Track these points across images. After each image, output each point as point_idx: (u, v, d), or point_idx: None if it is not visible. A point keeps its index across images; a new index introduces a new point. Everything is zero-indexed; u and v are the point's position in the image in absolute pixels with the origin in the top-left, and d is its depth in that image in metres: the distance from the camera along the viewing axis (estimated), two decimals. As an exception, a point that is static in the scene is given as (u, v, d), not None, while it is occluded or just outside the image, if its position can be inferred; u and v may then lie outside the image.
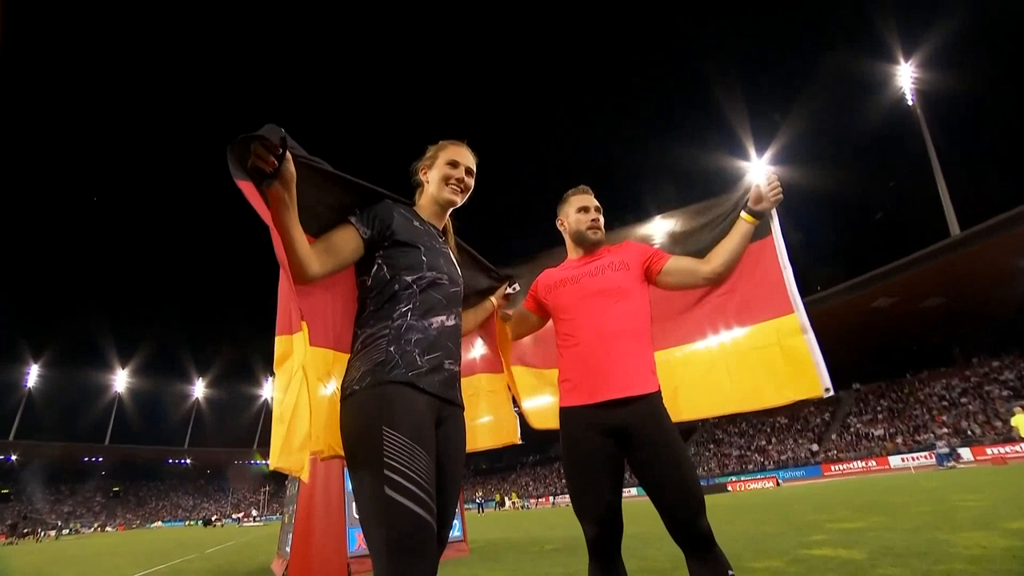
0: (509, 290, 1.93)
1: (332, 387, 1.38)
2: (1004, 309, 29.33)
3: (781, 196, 1.73)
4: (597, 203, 1.82)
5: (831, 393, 1.56)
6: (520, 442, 1.85)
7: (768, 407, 1.71)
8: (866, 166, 43.71)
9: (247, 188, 1.18)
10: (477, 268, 1.83)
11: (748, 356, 1.74)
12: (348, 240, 1.36)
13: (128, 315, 75.55)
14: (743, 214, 1.76)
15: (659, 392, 1.58)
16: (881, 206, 43.45)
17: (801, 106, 42.16)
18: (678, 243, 1.95)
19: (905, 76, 33.06)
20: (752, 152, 41.39)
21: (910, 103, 32.48)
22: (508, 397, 1.87)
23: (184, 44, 65.23)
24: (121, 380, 71.90)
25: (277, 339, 1.33)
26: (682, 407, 1.81)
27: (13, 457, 61.51)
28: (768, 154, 40.96)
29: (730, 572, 1.41)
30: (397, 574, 1.05)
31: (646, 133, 64.72)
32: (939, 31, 33.27)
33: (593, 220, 1.77)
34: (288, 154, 1.17)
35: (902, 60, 33.45)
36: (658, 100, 64.95)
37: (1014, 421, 14.99)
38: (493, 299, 1.89)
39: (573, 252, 1.84)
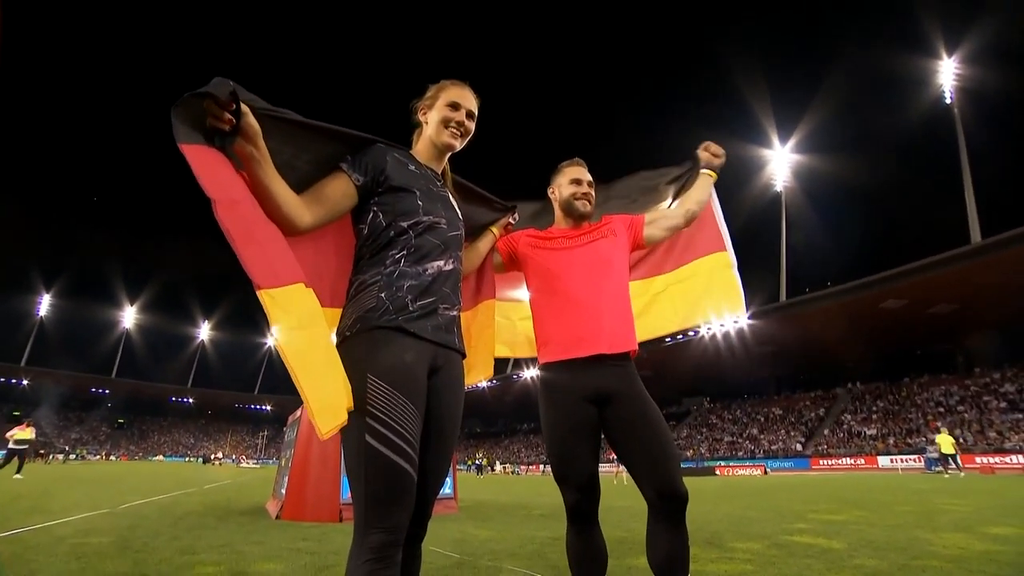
0: (511, 219, 1.92)
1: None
2: (1014, 322, 29.02)
3: (725, 157, 2.09)
4: (590, 178, 1.87)
5: (747, 313, 1.97)
6: (492, 377, 1.86)
7: (703, 322, 2.13)
8: (894, 163, 42.56)
9: (193, 153, 1.09)
10: (478, 202, 1.80)
11: (690, 281, 2.15)
12: (340, 187, 1.32)
13: (137, 253, 76.49)
14: (705, 171, 2.07)
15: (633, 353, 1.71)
16: (904, 205, 42.53)
17: (831, 96, 40.81)
18: (636, 202, 2.22)
19: (947, 73, 31.73)
20: (775, 140, 40.40)
21: (948, 101, 31.32)
22: (493, 325, 1.87)
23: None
24: (129, 316, 73.32)
25: (279, 291, 1.09)
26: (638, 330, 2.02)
27: (25, 382, 63.45)
28: (792, 142, 39.98)
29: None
30: (374, 521, 1.07)
31: (671, 117, 63.33)
32: (987, 26, 31.67)
33: (584, 193, 1.83)
34: (244, 107, 1.11)
35: (944, 55, 32.06)
36: (686, 86, 63.36)
37: (939, 439, 18.01)
38: (494, 229, 1.86)
39: (562, 222, 1.89)
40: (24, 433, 12.85)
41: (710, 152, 2.07)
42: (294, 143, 1.30)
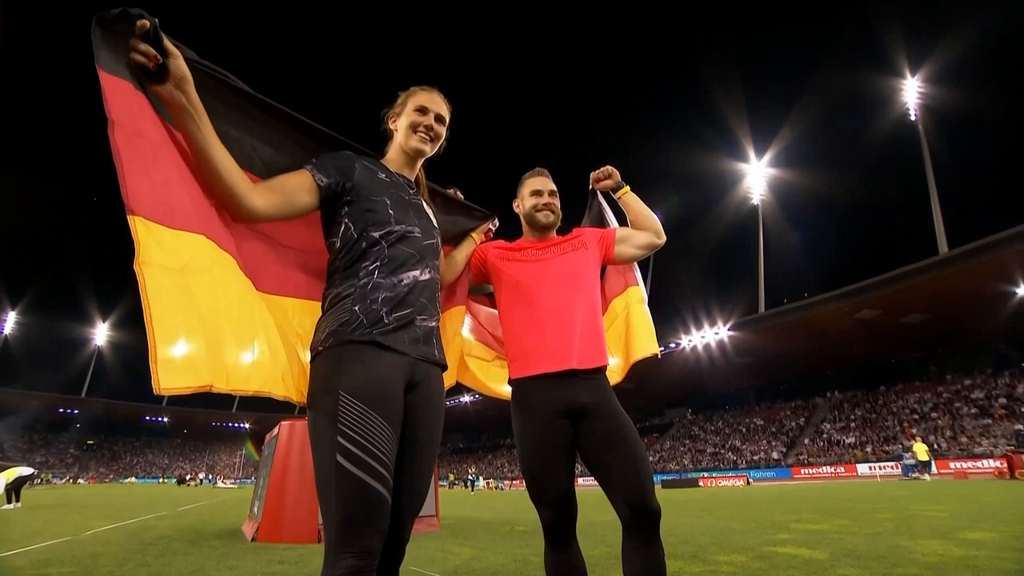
0: (491, 225, 1.91)
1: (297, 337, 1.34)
2: (981, 330, 29.98)
3: (606, 168, 1.98)
4: (553, 187, 1.83)
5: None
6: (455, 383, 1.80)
7: (628, 366, 1.88)
8: (864, 178, 44.11)
9: (113, 84, 0.98)
10: (456, 211, 1.77)
11: (614, 325, 1.94)
12: (300, 181, 1.25)
13: (110, 267, 74.48)
14: (619, 192, 1.96)
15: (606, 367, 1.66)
16: (876, 217, 43.98)
17: (804, 112, 42.29)
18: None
19: (911, 91, 33.10)
20: (752, 155, 41.45)
21: (913, 118, 32.61)
22: (461, 332, 1.83)
23: (185, -6, 63.38)
24: (101, 333, 71.08)
25: (162, 229, 0.99)
26: None
27: (-14, 403, 60.79)
28: (768, 156, 41.09)
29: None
30: (345, 545, 1.03)
31: (650, 132, 64.79)
32: (948, 48, 33.29)
33: (545, 204, 1.79)
34: (171, 48, 1.03)
35: (908, 75, 33.47)
36: (666, 103, 65.14)
37: (915, 447, 19.88)
38: (475, 235, 1.84)
39: (529, 234, 1.85)
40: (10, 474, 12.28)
41: (599, 181, 1.99)
42: (252, 132, 1.24)
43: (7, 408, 60.57)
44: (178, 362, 0.94)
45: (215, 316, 1.05)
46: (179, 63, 1.06)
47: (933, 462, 19.68)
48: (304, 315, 1.39)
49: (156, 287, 0.95)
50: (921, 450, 19.55)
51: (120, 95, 1.00)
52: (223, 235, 1.16)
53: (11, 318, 64.63)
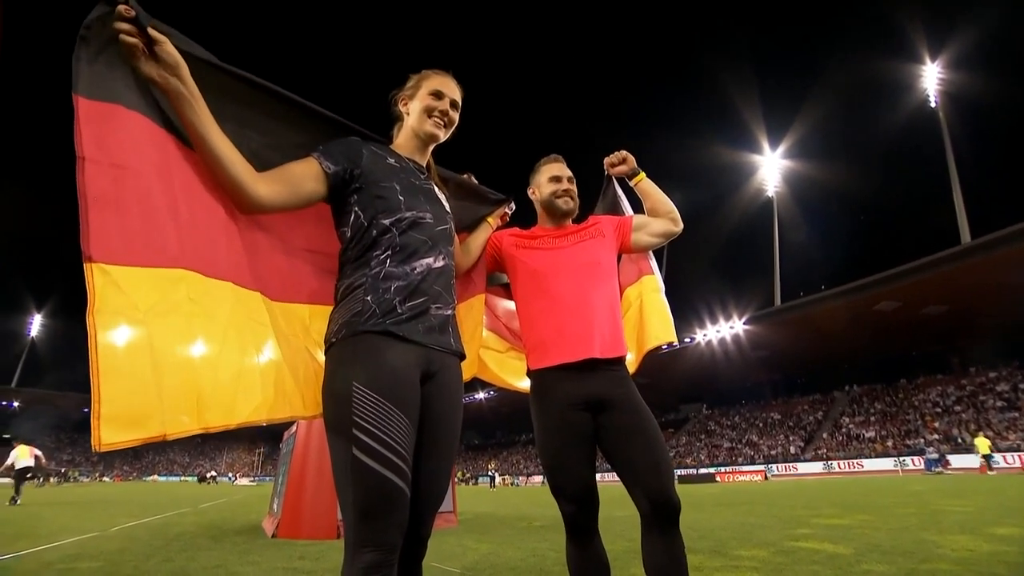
0: (507, 209, 1.88)
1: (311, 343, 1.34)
2: (1005, 321, 29.21)
3: (620, 153, 1.94)
4: (570, 173, 1.80)
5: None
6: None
7: (641, 355, 1.84)
8: (883, 167, 43.22)
9: (91, 113, 0.93)
10: (470, 196, 1.74)
11: (628, 313, 1.90)
12: (308, 172, 1.21)
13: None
14: (635, 179, 1.91)
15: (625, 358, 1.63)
16: (896, 207, 43.10)
17: (819, 102, 41.54)
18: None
19: (931, 77, 32.32)
20: (766, 146, 40.88)
21: (933, 105, 31.84)
22: (483, 321, 1.81)
23: (197, -1, 64.15)
24: (123, 335, 72.62)
25: (129, 270, 0.95)
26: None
27: (15, 404, 62.52)
28: (782, 148, 40.48)
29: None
30: (364, 540, 1.01)
31: (663, 124, 64.10)
32: (969, 33, 32.40)
33: (565, 190, 1.75)
34: (157, 35, 0.99)
35: (928, 60, 32.67)
36: (678, 94, 64.48)
37: (976, 442, 20.22)
38: (491, 220, 1.81)
39: (546, 221, 1.81)
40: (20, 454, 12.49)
41: (614, 166, 1.96)
42: (251, 123, 1.23)
43: (35, 408, 62.22)
44: (124, 417, 0.89)
45: (186, 356, 1.01)
46: (168, 48, 1.03)
47: (994, 455, 19.86)
48: (323, 322, 1.36)
49: (107, 342, 0.89)
50: (983, 444, 19.57)
51: (99, 123, 0.95)
52: (220, 260, 1.12)
53: (37, 320, 66.46)
